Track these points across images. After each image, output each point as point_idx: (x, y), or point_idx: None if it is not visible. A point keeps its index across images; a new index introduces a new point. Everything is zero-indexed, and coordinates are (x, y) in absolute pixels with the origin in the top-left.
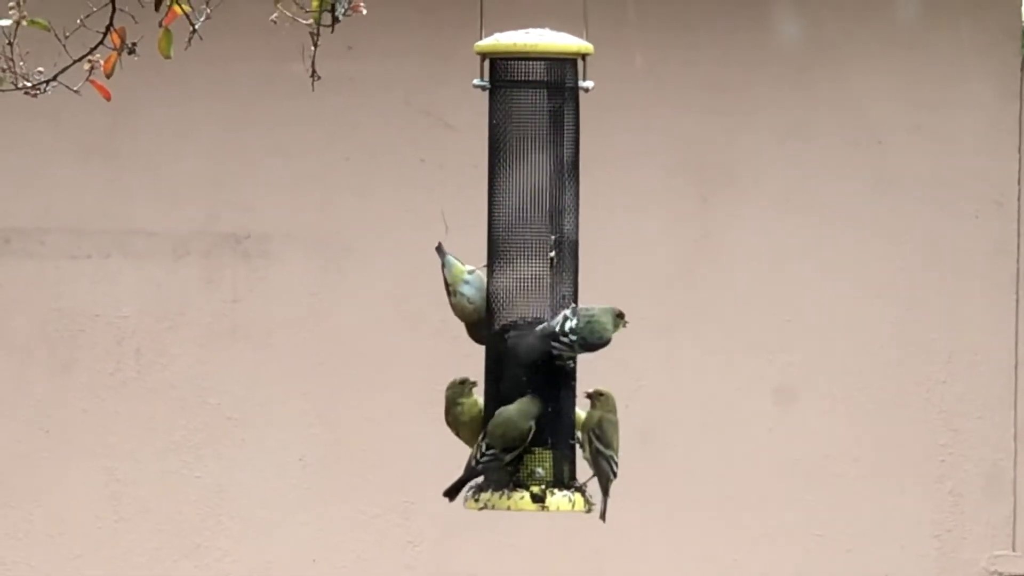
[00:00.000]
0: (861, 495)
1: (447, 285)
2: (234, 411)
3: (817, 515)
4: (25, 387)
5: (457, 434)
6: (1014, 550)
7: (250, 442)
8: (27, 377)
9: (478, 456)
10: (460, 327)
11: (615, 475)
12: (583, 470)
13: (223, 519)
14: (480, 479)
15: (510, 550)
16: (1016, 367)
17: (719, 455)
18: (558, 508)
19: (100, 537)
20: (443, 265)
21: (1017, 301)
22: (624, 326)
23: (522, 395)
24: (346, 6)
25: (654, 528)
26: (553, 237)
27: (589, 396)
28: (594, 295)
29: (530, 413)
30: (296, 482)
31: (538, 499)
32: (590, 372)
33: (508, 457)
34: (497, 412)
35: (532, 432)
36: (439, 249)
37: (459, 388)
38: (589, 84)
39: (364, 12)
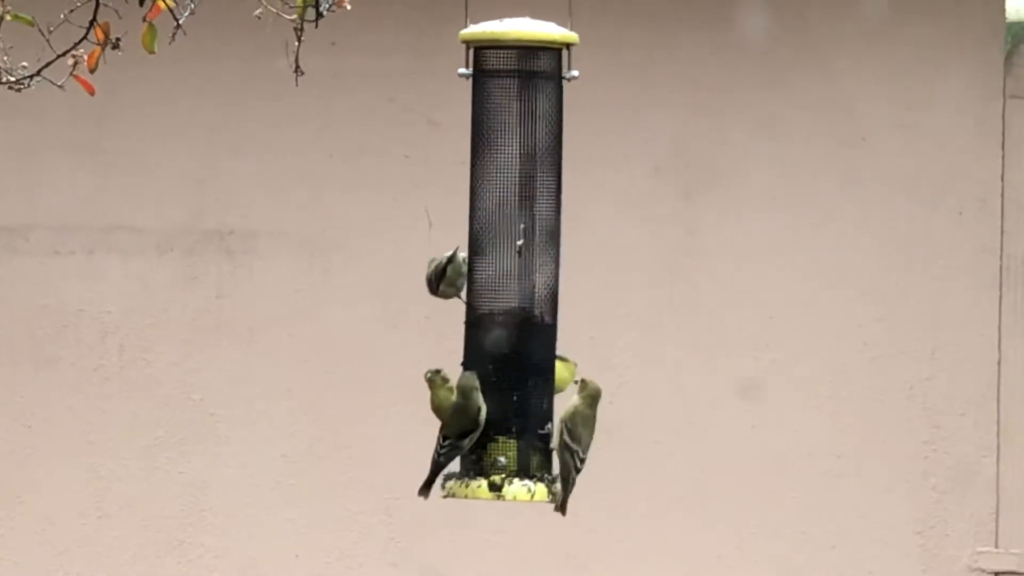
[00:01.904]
0: (844, 492)
1: (443, 276)
2: (218, 407)
3: (800, 512)
4: (8, 383)
5: (441, 420)
6: (997, 546)
7: (234, 438)
8: (10, 373)
9: (438, 448)
10: (445, 323)
11: (578, 470)
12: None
13: (207, 515)
14: (456, 469)
15: (493, 547)
16: (999, 364)
17: (702, 452)
18: (515, 497)
19: (84, 533)
20: (449, 260)
21: (1000, 298)
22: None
23: (489, 383)
24: (331, 1)
25: (638, 525)
26: (522, 226)
27: (579, 382)
28: (576, 292)
29: (471, 389)
30: (280, 478)
31: (495, 488)
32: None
33: (465, 443)
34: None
35: (482, 411)
36: (454, 254)
37: (435, 376)
38: (574, 73)
39: (348, 7)
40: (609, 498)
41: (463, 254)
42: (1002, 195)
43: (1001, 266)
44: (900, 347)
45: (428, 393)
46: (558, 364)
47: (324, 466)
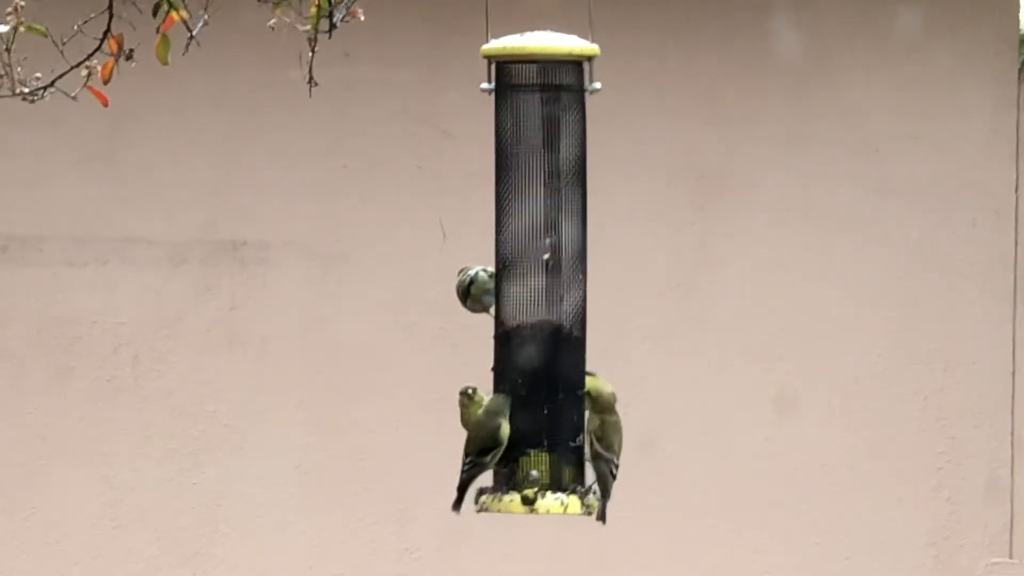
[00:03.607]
0: (858, 503)
1: (468, 294)
2: (231, 418)
3: (814, 523)
4: (22, 394)
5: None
6: (1011, 558)
7: (247, 449)
8: (24, 384)
9: (462, 465)
10: (458, 335)
11: (614, 477)
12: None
13: (220, 526)
14: (490, 483)
15: (508, 558)
16: (1014, 375)
17: (717, 464)
18: (548, 511)
19: (97, 544)
20: (472, 281)
21: (1014, 309)
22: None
23: (518, 397)
24: (344, 12)
25: (652, 537)
26: (548, 240)
27: (588, 395)
28: (591, 303)
29: (496, 410)
30: (293, 490)
31: (528, 501)
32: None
33: (487, 459)
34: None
35: (502, 430)
36: (473, 277)
37: (464, 398)
38: (597, 85)
39: (362, 18)
40: (624, 509)
41: (486, 272)
42: (1016, 206)
43: (1015, 276)
44: (914, 358)
45: (444, 403)
46: (588, 379)
47: (338, 477)
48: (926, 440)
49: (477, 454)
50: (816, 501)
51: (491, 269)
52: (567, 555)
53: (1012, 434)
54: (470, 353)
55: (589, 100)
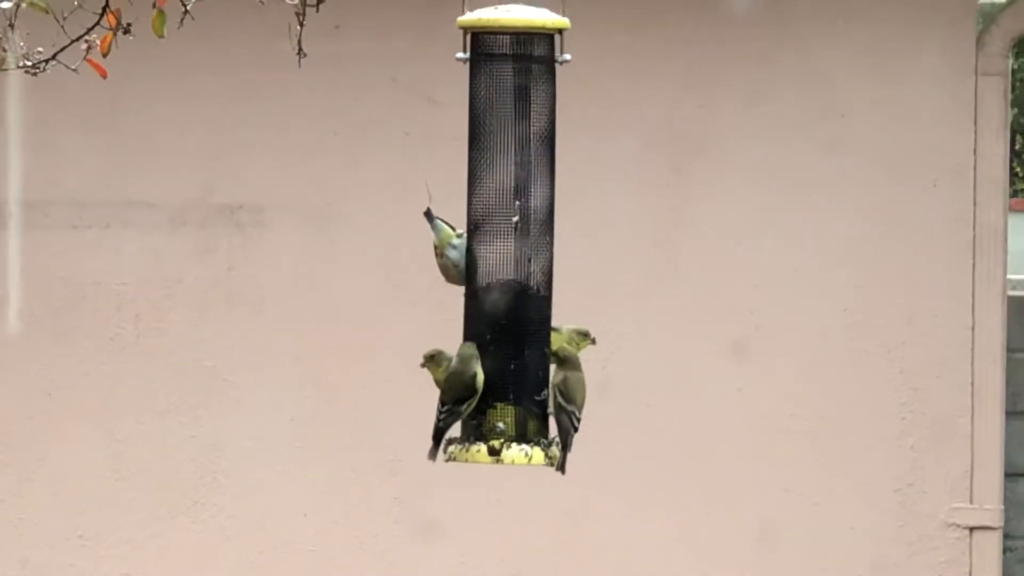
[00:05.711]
0: (826, 451)
1: (435, 248)
2: (229, 373)
3: (784, 470)
4: (29, 352)
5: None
6: (971, 503)
7: (244, 403)
8: (31, 342)
9: (437, 414)
10: (445, 292)
11: (576, 429)
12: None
13: (219, 477)
14: (458, 433)
15: (493, 505)
16: (973, 328)
17: (692, 414)
18: (513, 461)
19: (101, 495)
20: (431, 228)
21: (973, 266)
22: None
23: (487, 352)
24: None
25: (630, 483)
26: (517, 203)
27: (553, 354)
28: (570, 263)
29: (469, 357)
30: (288, 441)
31: (494, 452)
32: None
33: (463, 408)
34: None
35: (477, 378)
36: (427, 214)
37: (429, 362)
38: (567, 57)
39: None
40: (603, 458)
41: (440, 219)
42: (974, 168)
43: (974, 235)
44: (878, 313)
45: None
46: (555, 335)
47: (331, 429)
48: (890, 391)
49: (453, 403)
50: (786, 449)
51: (460, 230)
52: (549, 502)
53: (972, 384)
54: (456, 310)
55: (564, 66)
